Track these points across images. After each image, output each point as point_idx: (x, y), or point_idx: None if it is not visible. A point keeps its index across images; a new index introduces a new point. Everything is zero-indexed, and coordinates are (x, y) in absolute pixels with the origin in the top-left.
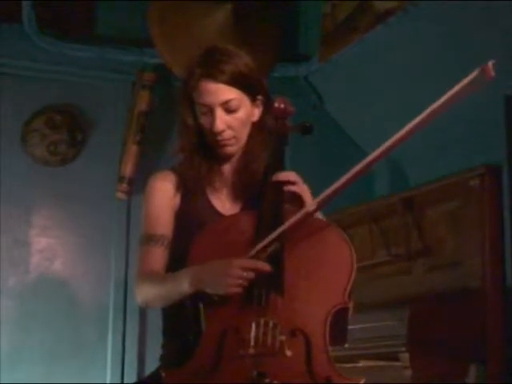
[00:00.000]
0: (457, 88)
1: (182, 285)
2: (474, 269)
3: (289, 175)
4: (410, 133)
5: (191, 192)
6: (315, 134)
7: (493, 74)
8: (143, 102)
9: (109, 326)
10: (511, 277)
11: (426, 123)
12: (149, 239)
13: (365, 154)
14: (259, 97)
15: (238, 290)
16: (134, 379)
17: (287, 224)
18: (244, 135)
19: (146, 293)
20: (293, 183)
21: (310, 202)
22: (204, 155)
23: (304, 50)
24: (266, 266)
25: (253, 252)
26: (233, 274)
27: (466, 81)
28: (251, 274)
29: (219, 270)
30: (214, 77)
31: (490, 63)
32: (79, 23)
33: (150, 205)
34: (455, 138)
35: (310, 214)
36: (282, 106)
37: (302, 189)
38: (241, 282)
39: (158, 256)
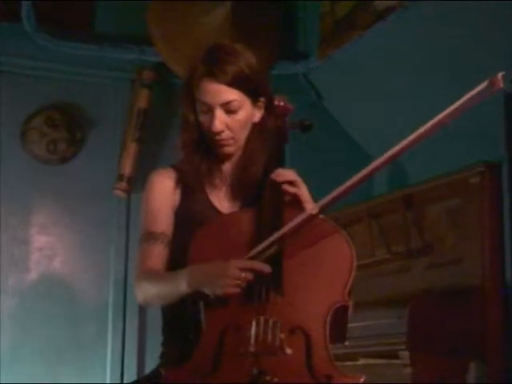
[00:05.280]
0: (464, 99)
1: (181, 285)
2: (473, 266)
3: (287, 174)
4: (415, 140)
5: (191, 189)
6: (314, 131)
7: (502, 85)
8: (142, 100)
9: (108, 324)
10: (511, 274)
11: (433, 132)
12: (149, 237)
13: (363, 152)
14: (261, 99)
15: (236, 290)
16: (134, 377)
17: (288, 227)
18: (243, 136)
19: (145, 291)
20: (290, 183)
21: (308, 200)
22: (204, 152)
23: (303, 48)
24: (265, 267)
25: (253, 253)
26: (231, 274)
27: (474, 92)
28: (249, 275)
29: (217, 271)
30: (216, 76)
31: (500, 75)
32: (78, 21)
33: (150, 202)
34: (455, 136)
35: (311, 217)
36: (282, 103)
37: (300, 189)
38: (239, 282)
39: (158, 254)
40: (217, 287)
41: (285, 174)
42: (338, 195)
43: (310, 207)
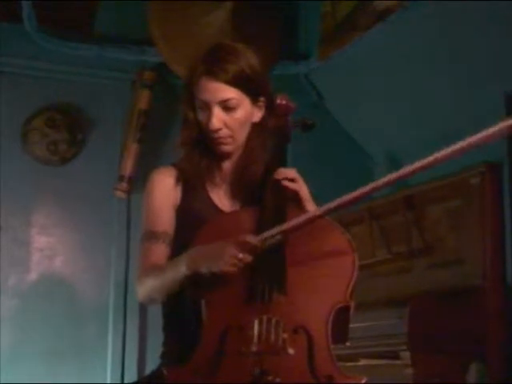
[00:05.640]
0: (495, 129)
1: (180, 267)
2: (474, 267)
3: (289, 172)
4: (433, 163)
5: (191, 187)
6: (315, 131)
7: None
8: (143, 100)
9: (109, 325)
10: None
11: (455, 156)
12: (150, 236)
13: (363, 153)
14: (261, 98)
15: (233, 269)
16: (135, 378)
17: (290, 223)
18: (242, 135)
19: (147, 286)
20: (291, 180)
21: (308, 199)
22: (204, 151)
23: (304, 48)
24: (256, 240)
25: (256, 239)
26: (228, 252)
27: (500, 126)
28: (248, 257)
29: (215, 249)
30: (215, 75)
31: None
32: (79, 22)
33: (151, 201)
34: (456, 136)
35: (315, 218)
36: (284, 102)
37: (301, 187)
38: (235, 261)
39: (160, 253)
40: (214, 265)
41: (286, 171)
42: (342, 204)
43: (310, 206)
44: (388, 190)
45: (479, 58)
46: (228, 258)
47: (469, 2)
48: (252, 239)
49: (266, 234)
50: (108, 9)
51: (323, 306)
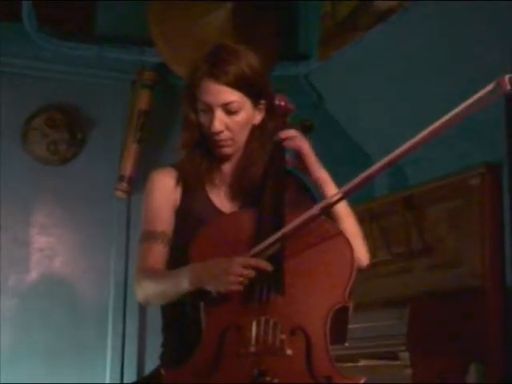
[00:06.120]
0: (471, 100)
1: (182, 282)
2: (474, 268)
3: (290, 132)
4: (419, 142)
5: (191, 188)
6: (315, 132)
7: (509, 87)
8: (143, 100)
9: (108, 325)
10: (511, 275)
11: (437, 133)
12: (149, 236)
13: (364, 153)
14: (262, 101)
15: (239, 287)
16: (134, 378)
17: (290, 226)
18: (242, 137)
19: (146, 290)
20: (291, 139)
21: (309, 155)
22: (205, 151)
23: (304, 49)
24: (267, 266)
25: (254, 251)
26: (233, 271)
27: (481, 93)
28: (252, 272)
29: (220, 268)
30: (216, 77)
31: (507, 77)
32: (79, 22)
33: (151, 201)
34: (455, 137)
35: (313, 218)
36: (283, 103)
37: (301, 142)
38: (241, 279)
39: (159, 253)
40: (219, 284)
41: (286, 132)
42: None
43: (314, 164)
44: (388, 190)
45: (479, 57)
46: (234, 277)
47: (469, 2)
48: (260, 264)
49: (265, 243)
50: (108, 9)
51: (321, 306)
